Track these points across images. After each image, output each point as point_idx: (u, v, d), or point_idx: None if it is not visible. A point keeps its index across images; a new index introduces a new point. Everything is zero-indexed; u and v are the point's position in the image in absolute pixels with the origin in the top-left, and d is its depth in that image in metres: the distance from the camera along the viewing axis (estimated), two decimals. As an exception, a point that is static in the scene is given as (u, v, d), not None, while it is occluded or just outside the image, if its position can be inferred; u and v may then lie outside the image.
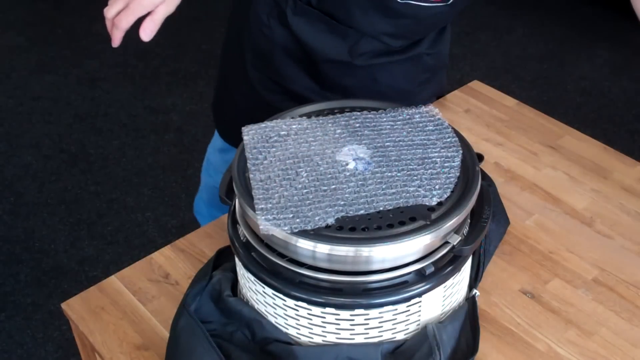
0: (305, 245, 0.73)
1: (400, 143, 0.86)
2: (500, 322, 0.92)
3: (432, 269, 0.78)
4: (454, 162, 0.83)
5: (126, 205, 2.33)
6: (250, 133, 0.87)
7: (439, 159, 0.83)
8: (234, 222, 0.85)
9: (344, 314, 0.77)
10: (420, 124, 0.89)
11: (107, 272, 1.93)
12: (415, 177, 0.81)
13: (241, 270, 0.84)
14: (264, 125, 0.88)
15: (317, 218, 0.75)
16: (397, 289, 0.77)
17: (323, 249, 0.73)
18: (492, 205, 0.84)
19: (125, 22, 0.91)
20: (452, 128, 0.88)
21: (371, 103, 0.94)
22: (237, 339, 0.83)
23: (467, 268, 0.87)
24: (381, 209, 0.77)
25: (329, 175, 0.81)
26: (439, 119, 0.89)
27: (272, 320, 0.82)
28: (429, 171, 0.81)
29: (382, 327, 0.79)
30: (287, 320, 0.80)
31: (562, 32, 3.19)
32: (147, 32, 0.91)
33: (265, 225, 0.74)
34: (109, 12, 0.92)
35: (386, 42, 1.11)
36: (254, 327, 0.82)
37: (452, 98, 1.34)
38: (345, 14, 1.08)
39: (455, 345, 0.83)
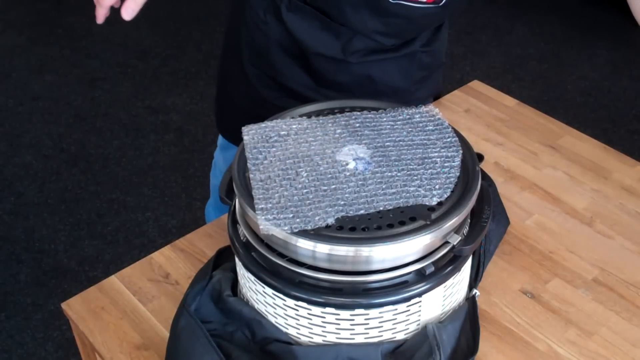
0: (305, 245, 0.73)
1: (400, 143, 0.86)
2: (500, 322, 0.92)
3: (432, 268, 0.78)
4: (454, 162, 0.83)
5: (126, 205, 2.33)
6: (250, 133, 0.87)
7: (439, 159, 0.83)
8: (234, 222, 0.85)
9: (344, 313, 0.77)
10: (421, 124, 0.89)
11: (107, 272, 1.93)
12: (415, 177, 0.81)
13: (241, 270, 0.84)
14: (264, 125, 0.88)
15: (317, 218, 0.75)
16: (397, 289, 0.77)
17: (323, 248, 0.73)
18: (492, 205, 0.84)
19: (108, 0, 0.92)
20: (452, 128, 0.88)
21: (371, 103, 0.94)
22: (237, 339, 0.83)
23: (467, 268, 0.87)
24: (381, 208, 0.77)
25: (329, 175, 0.81)
26: (439, 118, 0.90)
27: (272, 320, 0.82)
28: (429, 171, 0.81)
29: (382, 327, 0.79)
30: (287, 320, 0.80)
31: (562, 32, 3.19)
32: (128, 12, 0.91)
33: (265, 225, 0.74)
34: None
35: (378, 40, 1.11)
36: (254, 327, 0.82)
37: (452, 98, 1.34)
38: (337, 12, 1.08)
39: (456, 345, 0.83)
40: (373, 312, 0.77)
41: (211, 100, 2.79)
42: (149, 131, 2.65)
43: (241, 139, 0.87)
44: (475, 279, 0.93)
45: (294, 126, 0.88)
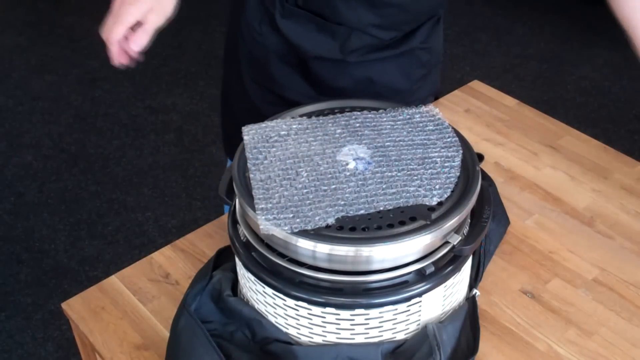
0: (305, 245, 0.73)
1: (401, 143, 0.86)
2: (500, 322, 0.92)
3: (432, 268, 0.78)
4: (454, 162, 0.83)
5: (126, 205, 2.33)
6: (250, 133, 0.87)
7: (439, 159, 0.83)
8: (234, 222, 0.85)
9: (344, 313, 0.77)
10: (421, 124, 0.89)
11: (107, 272, 1.93)
12: (415, 177, 0.81)
13: (241, 270, 0.84)
14: (264, 125, 0.88)
15: (317, 218, 0.75)
16: (397, 288, 0.77)
17: (323, 248, 0.73)
18: (492, 205, 0.84)
19: (116, 34, 0.91)
20: (452, 128, 0.88)
21: (371, 103, 0.94)
22: (237, 338, 0.83)
23: (467, 268, 0.87)
24: (381, 208, 0.77)
25: (329, 175, 0.81)
26: (439, 118, 0.90)
27: (272, 320, 0.82)
28: (429, 171, 0.81)
29: (382, 327, 0.79)
30: (287, 320, 0.80)
31: (562, 32, 3.19)
32: (137, 43, 0.91)
33: (266, 225, 0.74)
34: (104, 33, 0.93)
35: (375, 34, 1.11)
36: (254, 326, 0.82)
37: (452, 98, 1.34)
38: (331, 11, 1.08)
39: (456, 345, 0.83)
40: (373, 312, 0.77)
41: (211, 100, 2.79)
42: (149, 131, 2.65)
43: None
44: (475, 279, 0.93)
45: (294, 126, 0.88)
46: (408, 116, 0.90)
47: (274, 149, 0.85)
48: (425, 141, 0.86)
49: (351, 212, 0.76)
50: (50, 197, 2.36)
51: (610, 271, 0.99)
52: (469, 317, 0.86)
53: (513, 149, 1.21)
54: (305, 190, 0.79)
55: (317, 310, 0.77)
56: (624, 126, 2.65)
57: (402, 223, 0.75)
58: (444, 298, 0.82)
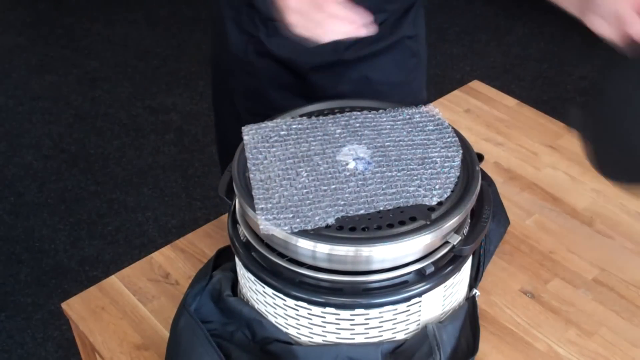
0: (305, 245, 0.73)
1: (401, 143, 0.86)
2: (500, 322, 0.92)
3: (432, 268, 0.78)
4: (454, 162, 0.83)
5: (126, 205, 2.33)
6: (250, 133, 0.87)
7: (439, 159, 0.83)
8: (234, 222, 0.85)
9: (344, 313, 0.77)
10: (420, 124, 0.89)
11: (107, 272, 1.92)
12: (415, 177, 0.81)
13: (241, 270, 0.84)
14: (264, 125, 0.88)
15: (317, 218, 0.75)
16: (397, 288, 0.77)
17: (323, 248, 0.73)
18: (492, 205, 0.84)
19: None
20: (452, 128, 0.88)
21: (371, 103, 0.94)
22: (237, 338, 0.83)
23: (467, 268, 0.87)
24: (381, 208, 0.77)
25: (329, 175, 0.81)
26: (439, 118, 0.89)
27: (272, 320, 0.82)
28: (429, 171, 0.81)
29: (382, 327, 0.79)
30: (287, 320, 0.80)
31: (562, 32, 3.19)
32: None
33: (265, 225, 0.74)
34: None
35: None
36: (254, 326, 0.82)
37: (452, 98, 1.34)
38: None
39: (455, 345, 0.83)
40: (373, 312, 0.77)
41: (211, 100, 2.79)
42: (149, 131, 2.65)
43: None
44: (475, 279, 0.93)
45: (294, 126, 0.88)
46: (408, 116, 0.90)
47: (274, 149, 0.85)
48: (425, 141, 0.86)
49: (351, 212, 0.76)
50: (50, 197, 2.36)
51: (610, 271, 0.99)
52: (468, 317, 0.86)
53: (513, 149, 1.21)
54: (305, 190, 0.78)
55: (317, 310, 0.77)
56: (624, 126, 2.65)
57: (402, 223, 0.75)
58: (444, 298, 0.82)
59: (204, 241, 1.05)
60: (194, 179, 2.42)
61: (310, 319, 0.78)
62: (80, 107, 2.78)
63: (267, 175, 0.81)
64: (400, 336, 0.81)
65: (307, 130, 0.88)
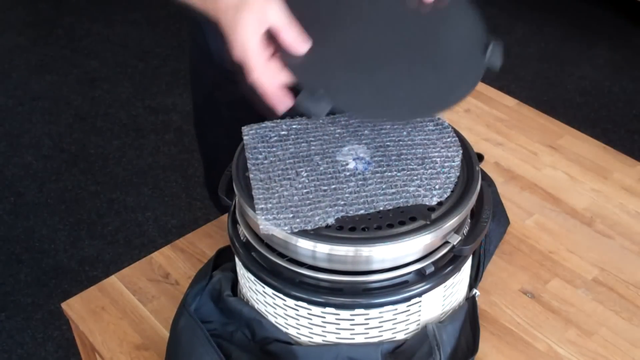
0: (305, 245, 0.73)
1: (401, 142, 0.86)
2: (500, 322, 0.92)
3: (432, 268, 0.78)
4: (454, 162, 0.83)
5: (126, 205, 2.33)
6: (250, 133, 0.87)
7: (439, 159, 0.83)
8: (234, 222, 0.85)
9: (344, 313, 0.77)
10: (421, 124, 0.89)
11: (107, 272, 1.93)
12: (415, 177, 0.81)
13: (241, 270, 0.84)
14: (264, 125, 0.88)
15: (317, 218, 0.75)
16: (397, 288, 0.77)
17: (323, 248, 0.73)
18: (492, 205, 0.84)
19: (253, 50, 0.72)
20: (452, 128, 0.88)
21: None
22: (237, 338, 0.83)
23: (467, 268, 0.87)
24: (381, 208, 0.77)
25: (329, 175, 0.81)
26: (439, 118, 0.89)
27: (272, 320, 0.82)
28: (429, 171, 0.81)
29: (382, 327, 0.79)
30: (287, 320, 0.80)
31: (562, 32, 3.19)
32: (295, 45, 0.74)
33: (265, 225, 0.74)
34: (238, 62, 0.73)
35: None
36: (254, 326, 0.82)
37: (452, 98, 1.33)
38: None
39: (455, 345, 0.83)
40: (373, 312, 0.77)
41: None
42: (149, 131, 2.65)
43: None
44: (475, 279, 0.93)
45: (294, 126, 0.88)
46: (408, 116, 0.90)
47: (274, 149, 0.85)
48: (425, 141, 0.86)
49: (351, 212, 0.76)
50: (50, 197, 2.36)
51: (610, 271, 0.99)
52: (468, 317, 0.86)
53: (513, 149, 1.21)
54: (305, 190, 0.78)
55: (317, 310, 0.77)
56: (624, 126, 2.65)
57: (402, 223, 0.75)
58: (444, 298, 0.82)
59: (204, 241, 1.05)
60: (194, 179, 2.42)
61: (310, 319, 0.78)
62: (80, 107, 2.78)
63: (267, 175, 0.81)
64: (400, 336, 0.81)
65: (307, 130, 0.88)
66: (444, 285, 0.80)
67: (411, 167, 0.82)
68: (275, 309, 0.80)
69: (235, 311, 0.84)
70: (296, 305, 0.78)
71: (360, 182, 0.80)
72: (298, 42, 0.73)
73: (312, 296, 0.76)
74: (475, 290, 0.89)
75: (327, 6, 0.81)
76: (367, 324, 0.78)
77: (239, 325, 0.84)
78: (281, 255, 0.78)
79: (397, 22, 0.81)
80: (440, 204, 0.78)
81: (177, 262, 1.02)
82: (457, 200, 0.78)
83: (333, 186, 0.79)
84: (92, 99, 2.82)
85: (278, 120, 0.89)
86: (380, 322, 0.78)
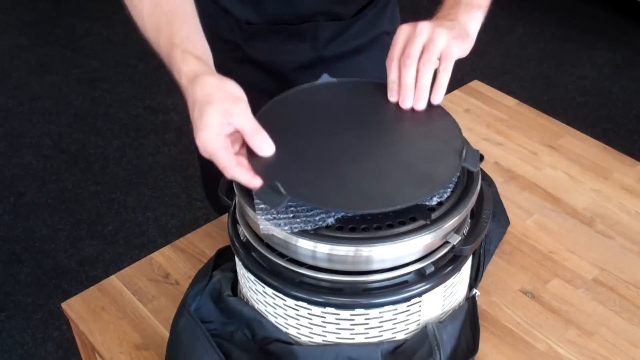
0: (305, 245, 0.73)
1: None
2: (500, 322, 0.92)
3: (432, 268, 0.78)
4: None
5: (126, 205, 2.33)
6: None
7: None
8: (234, 222, 0.85)
9: (344, 313, 0.77)
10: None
11: (107, 272, 1.93)
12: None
13: (241, 270, 0.84)
14: (264, 125, 0.88)
15: (317, 218, 0.75)
16: (397, 288, 0.77)
17: (323, 248, 0.73)
18: (492, 205, 0.84)
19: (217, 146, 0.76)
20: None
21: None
22: (237, 338, 0.83)
23: (467, 268, 0.87)
24: (381, 208, 0.77)
25: (329, 175, 0.80)
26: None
27: (272, 320, 0.82)
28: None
29: (382, 327, 0.79)
30: (287, 320, 0.80)
31: (562, 32, 3.19)
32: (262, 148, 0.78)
33: (265, 225, 0.74)
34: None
35: (337, 12, 1.10)
36: (254, 326, 0.82)
37: (452, 98, 1.34)
38: (287, 5, 1.07)
39: (455, 345, 0.83)
40: (373, 312, 0.77)
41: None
42: (149, 131, 2.65)
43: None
44: (475, 279, 0.93)
45: (294, 126, 0.88)
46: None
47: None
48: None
49: (351, 212, 0.76)
50: (50, 197, 2.36)
51: (610, 271, 0.99)
52: (468, 317, 0.86)
53: (513, 149, 1.21)
54: (305, 190, 0.78)
55: (317, 310, 0.77)
56: (624, 126, 2.65)
57: (402, 223, 0.75)
58: (444, 298, 0.82)
59: (204, 241, 1.05)
60: (194, 179, 2.42)
61: (310, 319, 0.78)
62: (80, 107, 2.78)
63: (267, 175, 0.80)
64: (400, 336, 0.81)
65: (307, 130, 0.88)
66: (444, 285, 0.80)
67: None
68: (275, 309, 0.80)
69: (236, 311, 0.84)
70: (296, 305, 0.78)
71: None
72: (262, 147, 0.77)
73: (312, 296, 0.76)
74: (475, 290, 0.89)
75: (303, 109, 0.87)
76: (367, 324, 0.78)
77: (239, 325, 0.84)
78: (281, 255, 0.78)
79: (373, 126, 0.85)
80: (440, 204, 0.78)
81: (177, 262, 1.02)
82: (457, 200, 0.78)
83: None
84: (92, 99, 2.82)
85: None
86: (380, 322, 0.78)
